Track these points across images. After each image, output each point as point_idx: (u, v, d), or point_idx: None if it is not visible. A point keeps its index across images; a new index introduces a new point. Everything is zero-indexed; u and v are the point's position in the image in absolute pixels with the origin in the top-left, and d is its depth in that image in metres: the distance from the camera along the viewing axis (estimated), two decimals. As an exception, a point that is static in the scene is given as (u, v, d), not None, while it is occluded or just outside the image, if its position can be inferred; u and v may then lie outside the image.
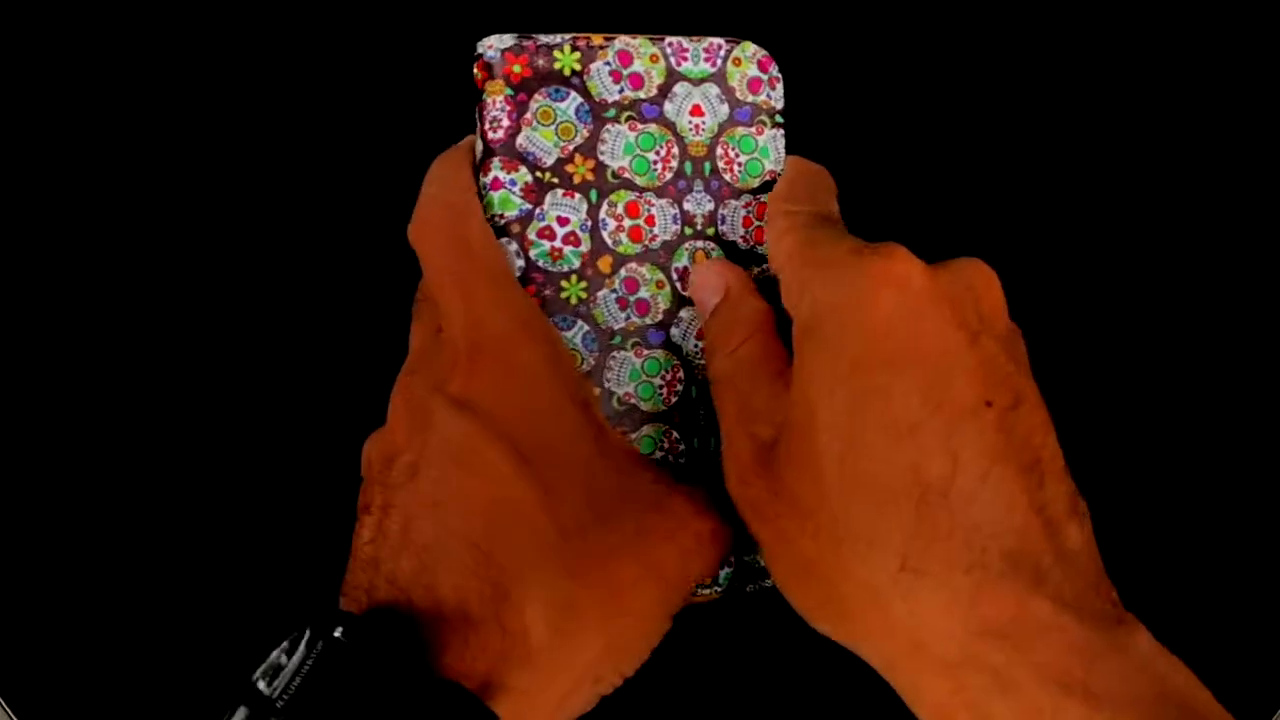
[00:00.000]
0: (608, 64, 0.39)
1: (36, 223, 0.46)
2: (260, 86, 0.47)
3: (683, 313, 0.39)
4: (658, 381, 0.39)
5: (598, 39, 0.39)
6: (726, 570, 0.39)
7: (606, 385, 0.38)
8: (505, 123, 0.38)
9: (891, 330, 0.31)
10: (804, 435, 0.32)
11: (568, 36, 0.38)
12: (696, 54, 0.39)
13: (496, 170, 0.37)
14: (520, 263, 0.37)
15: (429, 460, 0.33)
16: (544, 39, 0.38)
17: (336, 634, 0.29)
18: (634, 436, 0.38)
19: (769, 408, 0.34)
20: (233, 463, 0.45)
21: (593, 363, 0.38)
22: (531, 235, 0.38)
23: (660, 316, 0.39)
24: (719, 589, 0.39)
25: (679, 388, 0.39)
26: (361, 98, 0.47)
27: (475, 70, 0.38)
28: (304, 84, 0.47)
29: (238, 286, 0.46)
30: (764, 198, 0.40)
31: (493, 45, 0.38)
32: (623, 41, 0.39)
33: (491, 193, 0.37)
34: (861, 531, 0.30)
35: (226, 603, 0.44)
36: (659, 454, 0.38)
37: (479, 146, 0.38)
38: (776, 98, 0.40)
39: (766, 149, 0.40)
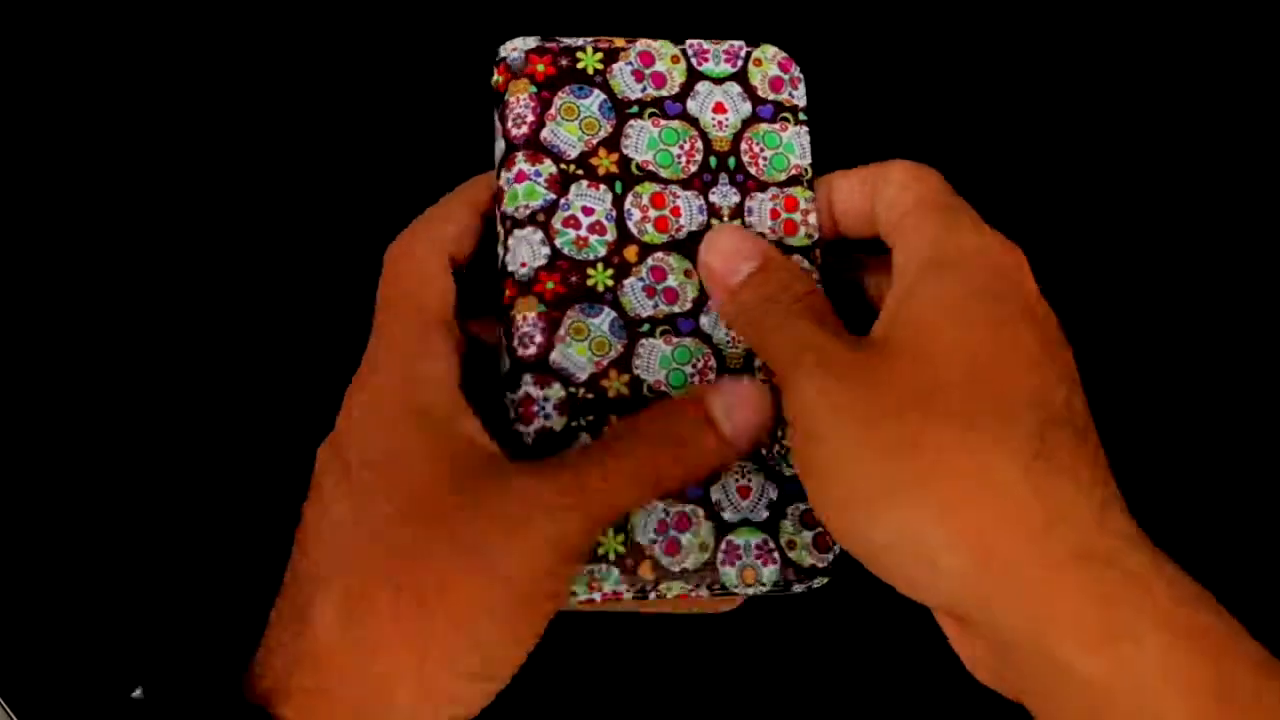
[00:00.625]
0: (630, 64, 0.39)
1: (34, 225, 0.46)
2: (269, 91, 0.48)
3: (711, 302, 0.38)
4: (689, 370, 0.38)
5: (620, 42, 0.40)
6: (772, 569, 0.36)
7: (636, 372, 0.37)
8: (530, 118, 0.38)
9: (1021, 286, 0.34)
10: (922, 348, 0.33)
11: (590, 39, 0.39)
12: (717, 55, 0.40)
13: (521, 163, 0.38)
14: (546, 250, 0.37)
15: None
16: (567, 41, 0.39)
17: (136, 694, 0.32)
18: None
19: (850, 339, 0.34)
20: (232, 463, 0.45)
21: (620, 349, 0.37)
22: (556, 224, 0.38)
23: (689, 305, 0.38)
24: (763, 588, 0.36)
25: (711, 377, 0.38)
26: (372, 102, 0.48)
27: (496, 74, 0.39)
28: (313, 88, 0.48)
29: (237, 288, 0.46)
30: (791, 191, 0.39)
31: (516, 47, 0.39)
32: (644, 44, 0.40)
33: (516, 185, 0.38)
34: (989, 426, 0.31)
35: (225, 603, 0.43)
36: None
37: (500, 148, 0.38)
38: (799, 96, 0.40)
39: (791, 144, 0.40)
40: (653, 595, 0.36)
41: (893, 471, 0.31)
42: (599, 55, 0.39)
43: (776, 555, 0.37)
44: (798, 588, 0.37)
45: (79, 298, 0.47)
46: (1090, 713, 0.29)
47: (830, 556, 0.37)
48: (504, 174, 0.38)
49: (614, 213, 0.38)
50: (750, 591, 0.36)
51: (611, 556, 0.36)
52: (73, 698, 0.43)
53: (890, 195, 0.37)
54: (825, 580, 0.37)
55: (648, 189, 0.39)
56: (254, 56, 0.49)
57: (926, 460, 0.31)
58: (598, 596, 0.35)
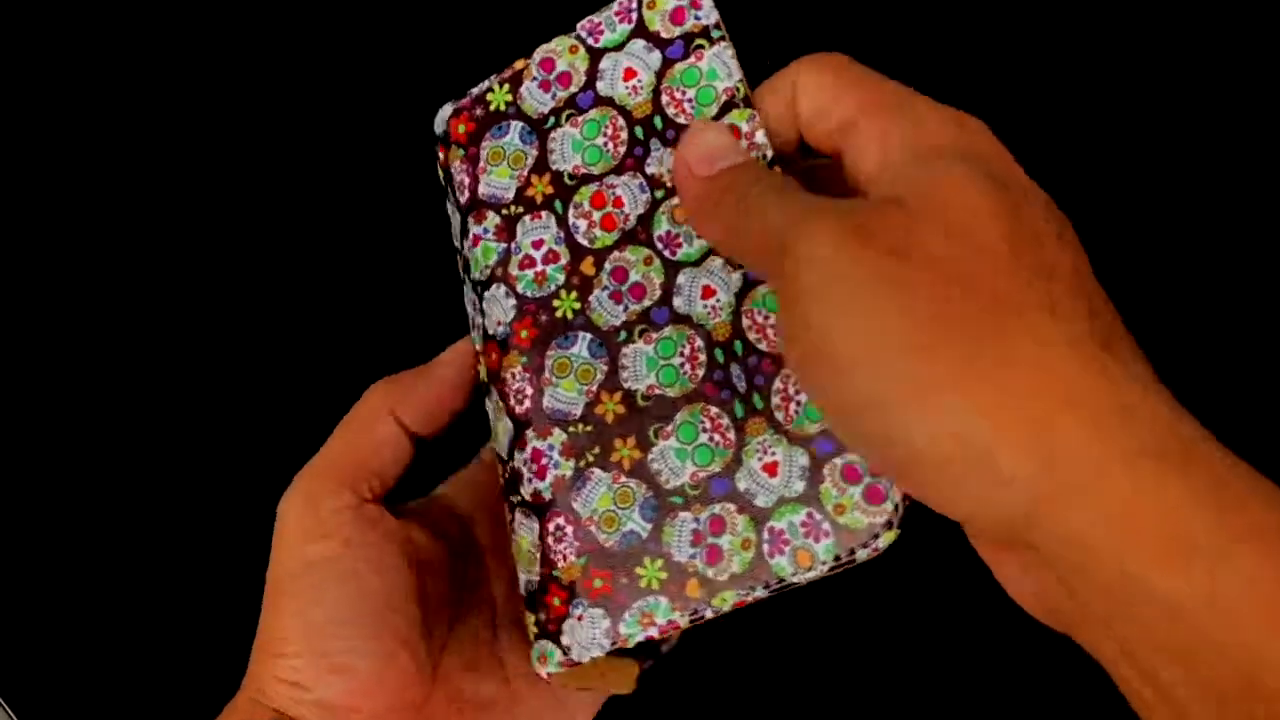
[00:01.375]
0: (535, 79, 0.37)
1: (32, 227, 0.48)
2: (275, 96, 0.48)
3: (680, 278, 0.34)
4: (676, 361, 0.34)
5: (520, 62, 0.38)
6: (827, 542, 0.31)
7: (626, 385, 0.35)
8: (466, 181, 0.38)
9: (1012, 167, 0.30)
10: (948, 221, 0.28)
11: (494, 77, 0.38)
12: (610, 22, 0.37)
13: (473, 228, 0.38)
14: (511, 301, 0.36)
15: None
16: (476, 90, 0.38)
17: None
18: (670, 428, 0.34)
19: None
20: (232, 464, 0.45)
21: (605, 369, 0.35)
22: (514, 271, 0.37)
23: (658, 294, 0.35)
24: (824, 566, 0.32)
25: (701, 358, 0.34)
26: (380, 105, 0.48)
27: (438, 153, 0.39)
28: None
29: (236, 289, 0.47)
30: (728, 118, 0.34)
31: (439, 120, 0.39)
32: (541, 50, 0.38)
33: (474, 250, 0.37)
34: (1042, 312, 0.26)
35: (225, 602, 0.42)
36: (704, 437, 0.33)
37: (455, 221, 0.38)
38: (705, 14, 0.35)
39: (714, 70, 0.35)
40: (708, 613, 0.33)
41: (939, 355, 0.26)
42: (505, 89, 0.38)
43: (827, 526, 0.32)
44: (862, 554, 0.31)
45: (78, 300, 0.48)
46: (1169, 642, 0.23)
47: (889, 506, 0.31)
48: (465, 245, 0.38)
49: (561, 234, 0.36)
50: (811, 575, 0.32)
51: (656, 585, 0.33)
52: (73, 698, 0.44)
53: (818, 104, 0.32)
54: (893, 536, 0.31)
55: (586, 193, 0.36)
56: (252, 59, 0.50)
57: (977, 345, 0.26)
58: (654, 631, 0.33)
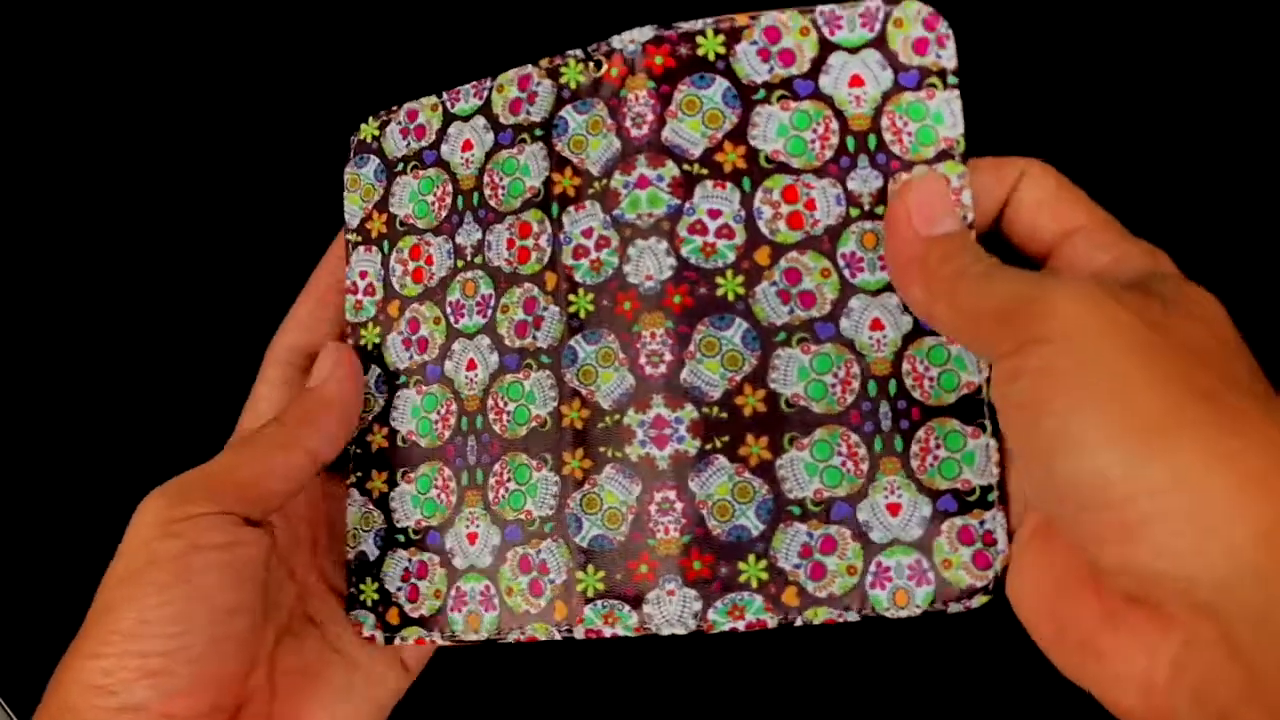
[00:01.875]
0: (754, 43, 0.36)
1: (30, 228, 0.46)
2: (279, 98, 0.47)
3: (853, 302, 0.35)
4: (829, 379, 0.35)
5: (742, 19, 0.36)
6: (927, 589, 0.34)
7: (772, 386, 0.35)
8: (649, 118, 0.36)
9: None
10: (1186, 309, 0.30)
11: (710, 21, 0.36)
12: (852, 21, 0.36)
13: (642, 167, 0.36)
14: (672, 260, 0.35)
15: None
16: (685, 27, 0.36)
17: None
18: (807, 441, 0.35)
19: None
20: None
21: (755, 362, 0.35)
22: (682, 232, 0.36)
23: (828, 309, 0.35)
24: (918, 609, 0.34)
25: (854, 385, 0.35)
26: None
27: (612, 69, 0.37)
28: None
29: (235, 290, 0.47)
30: (940, 168, 0.35)
31: (632, 39, 0.36)
32: (769, 17, 0.36)
33: (638, 191, 0.36)
34: (1267, 393, 0.29)
35: None
36: (837, 460, 0.35)
37: (615, 144, 0.36)
38: (947, 57, 0.36)
39: (940, 114, 0.36)
40: (799, 621, 0.35)
41: (1199, 409, 0.27)
42: (720, 38, 0.36)
43: (931, 575, 0.34)
44: (954, 608, 0.34)
45: (77, 300, 0.47)
46: None
47: (991, 574, 0.34)
48: (620, 176, 0.36)
49: (742, 213, 0.36)
50: (903, 614, 0.34)
51: (754, 584, 0.34)
52: None
53: (1045, 201, 0.34)
54: (986, 599, 0.35)
55: (778, 182, 0.36)
56: (250, 63, 0.49)
57: (1234, 417, 0.27)
58: (741, 625, 0.34)
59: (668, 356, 0.35)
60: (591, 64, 0.37)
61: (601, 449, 0.36)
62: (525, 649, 0.42)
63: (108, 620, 0.33)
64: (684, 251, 0.36)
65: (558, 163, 0.37)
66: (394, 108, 0.41)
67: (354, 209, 0.41)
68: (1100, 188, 0.34)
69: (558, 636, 0.36)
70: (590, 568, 0.35)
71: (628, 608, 0.35)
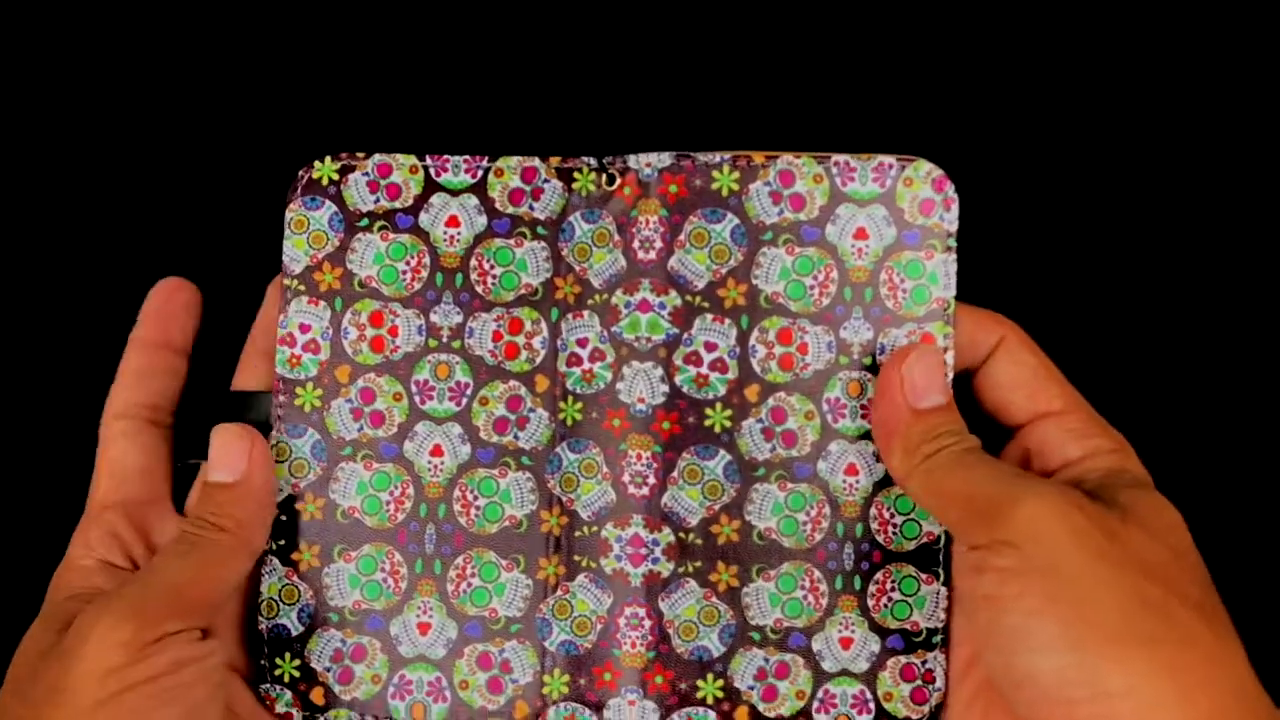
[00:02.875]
0: (768, 184, 0.37)
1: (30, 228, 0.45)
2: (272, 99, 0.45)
3: (832, 446, 0.37)
4: (801, 517, 0.37)
5: (759, 157, 0.37)
6: (866, 718, 0.37)
7: (748, 518, 0.37)
8: (658, 244, 0.37)
9: None
10: (1150, 529, 0.32)
11: (727, 156, 0.37)
12: (864, 174, 0.37)
13: (645, 292, 0.37)
14: (665, 388, 0.37)
15: None
16: (702, 158, 0.37)
17: None
18: (774, 573, 0.37)
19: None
20: None
21: (734, 494, 0.37)
22: (678, 360, 0.37)
23: (808, 450, 0.37)
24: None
25: (824, 524, 0.37)
26: None
27: (624, 185, 0.37)
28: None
29: (229, 285, 0.44)
30: (929, 326, 0.37)
31: (650, 163, 0.37)
32: (785, 161, 0.37)
33: (638, 314, 0.37)
34: (1227, 630, 0.31)
35: None
36: (799, 593, 0.37)
37: (620, 262, 0.37)
38: (950, 220, 0.37)
39: (935, 275, 0.37)
40: None
41: (1150, 623, 0.30)
42: (736, 175, 0.37)
43: (872, 705, 0.37)
44: None
45: (77, 298, 0.45)
46: None
47: (926, 709, 0.37)
48: (621, 295, 0.37)
49: (737, 349, 0.37)
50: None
51: (710, 700, 0.37)
52: None
53: (1023, 376, 0.36)
54: None
55: (775, 324, 0.37)
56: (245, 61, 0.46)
57: (1178, 632, 0.30)
58: None
59: (651, 480, 0.37)
60: (604, 176, 0.38)
61: (576, 558, 0.37)
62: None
63: None
64: (677, 380, 0.37)
65: (562, 268, 0.38)
66: (357, 154, 0.38)
67: (297, 254, 0.38)
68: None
69: None
70: (556, 671, 0.37)
71: (589, 712, 0.37)
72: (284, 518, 0.38)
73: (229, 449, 0.36)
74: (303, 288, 0.38)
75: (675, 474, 0.37)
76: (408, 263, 0.38)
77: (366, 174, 0.38)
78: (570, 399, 0.38)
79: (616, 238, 0.37)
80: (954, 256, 0.37)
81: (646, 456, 0.37)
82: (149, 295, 0.39)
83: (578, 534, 0.37)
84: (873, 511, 0.37)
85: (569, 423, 0.38)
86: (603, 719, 0.37)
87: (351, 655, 0.38)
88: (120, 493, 0.37)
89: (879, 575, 0.37)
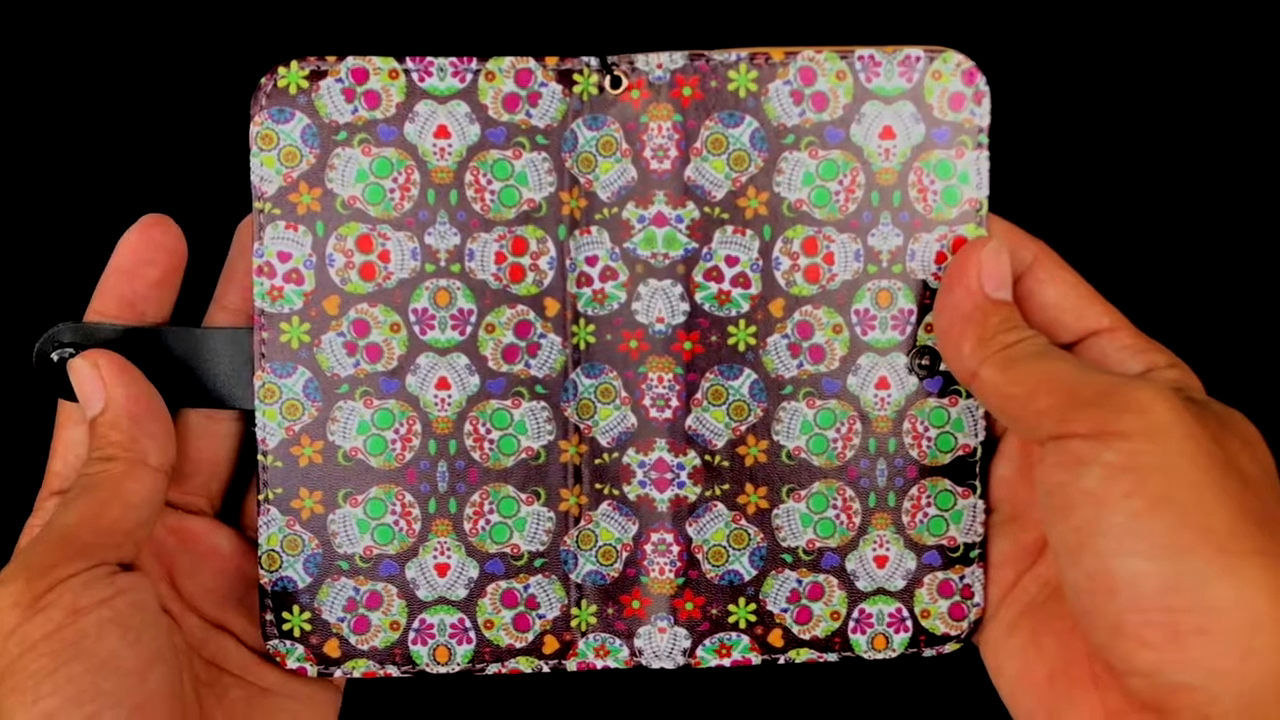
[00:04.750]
0: (788, 83, 0.35)
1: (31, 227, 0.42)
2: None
3: (862, 359, 0.35)
4: (831, 434, 0.36)
5: (778, 54, 0.35)
6: (904, 636, 0.36)
7: (776, 438, 0.35)
8: (673, 153, 0.35)
9: None
10: (1247, 438, 0.31)
11: (744, 54, 0.35)
12: (890, 69, 0.35)
13: (660, 204, 0.35)
14: (685, 306, 0.35)
15: None
16: (718, 57, 0.34)
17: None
18: (804, 494, 0.36)
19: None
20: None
21: (761, 414, 0.35)
22: (698, 277, 0.35)
23: (836, 364, 0.35)
24: (893, 653, 0.36)
25: (855, 440, 0.36)
26: None
27: (632, 89, 0.35)
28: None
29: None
30: (961, 229, 0.35)
31: (661, 64, 0.34)
32: (806, 57, 0.35)
33: (654, 228, 0.35)
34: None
35: None
36: (831, 512, 0.36)
37: (631, 173, 0.35)
38: (981, 114, 0.35)
39: (967, 174, 0.35)
40: (781, 660, 0.36)
41: (1259, 535, 0.28)
42: (754, 75, 0.34)
43: (909, 623, 0.36)
44: (928, 652, 0.37)
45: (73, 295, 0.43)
46: None
47: (965, 624, 0.36)
48: (634, 209, 0.35)
49: (760, 262, 0.35)
50: (879, 657, 0.36)
51: (742, 625, 0.36)
52: None
53: (1065, 291, 0.34)
54: (957, 647, 0.37)
55: (799, 233, 0.35)
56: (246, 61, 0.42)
57: (1268, 539, 0.28)
58: (727, 663, 0.36)
59: (674, 402, 0.35)
60: (609, 78, 0.35)
61: (598, 486, 0.36)
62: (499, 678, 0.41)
63: (19, 710, 0.28)
64: (698, 298, 0.35)
65: (566, 180, 0.35)
66: (327, 57, 0.35)
67: (268, 173, 0.34)
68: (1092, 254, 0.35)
69: (545, 670, 0.36)
70: (584, 603, 0.36)
71: (619, 641, 0.36)
72: (278, 464, 0.35)
73: (83, 380, 0.33)
74: (277, 210, 0.35)
75: (699, 395, 0.35)
76: (395, 180, 0.35)
77: (340, 80, 0.35)
78: (582, 321, 0.36)
79: (625, 146, 0.35)
80: (986, 154, 0.35)
81: (669, 379, 0.35)
82: (119, 245, 0.35)
83: (598, 461, 0.36)
84: (906, 426, 0.36)
85: (582, 347, 0.36)
86: (633, 648, 0.36)
87: (366, 603, 0.36)
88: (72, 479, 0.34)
89: (913, 491, 0.36)
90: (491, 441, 0.36)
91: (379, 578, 0.36)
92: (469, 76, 0.35)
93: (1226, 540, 0.28)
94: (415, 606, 0.36)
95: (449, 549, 0.36)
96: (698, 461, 0.35)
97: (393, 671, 0.36)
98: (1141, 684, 0.29)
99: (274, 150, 0.35)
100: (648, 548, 0.36)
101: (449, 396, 0.35)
